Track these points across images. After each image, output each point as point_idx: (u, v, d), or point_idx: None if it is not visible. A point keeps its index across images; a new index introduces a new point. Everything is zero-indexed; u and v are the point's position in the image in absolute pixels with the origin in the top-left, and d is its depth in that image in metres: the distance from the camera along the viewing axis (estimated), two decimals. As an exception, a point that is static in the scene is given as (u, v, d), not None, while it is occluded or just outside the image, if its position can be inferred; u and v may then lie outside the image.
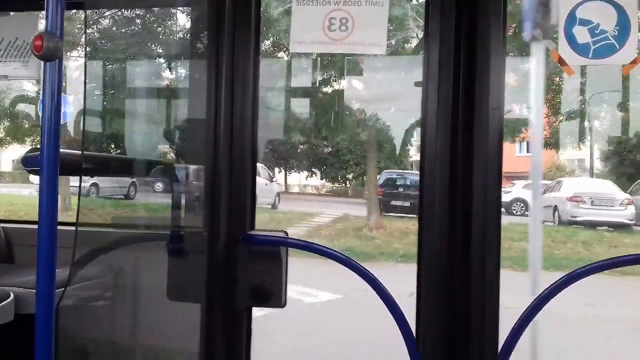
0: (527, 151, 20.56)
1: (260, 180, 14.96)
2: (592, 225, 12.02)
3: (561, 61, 1.82)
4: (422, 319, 1.80)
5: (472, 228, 1.77)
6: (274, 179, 16.99)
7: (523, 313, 1.73)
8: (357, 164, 17.74)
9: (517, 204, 15.20)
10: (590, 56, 1.81)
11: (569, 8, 1.82)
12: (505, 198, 15.58)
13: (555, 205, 12.68)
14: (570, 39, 1.82)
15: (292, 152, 17.69)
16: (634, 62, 1.80)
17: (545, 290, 1.74)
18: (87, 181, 12.32)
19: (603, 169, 15.97)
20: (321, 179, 19.65)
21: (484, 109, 1.77)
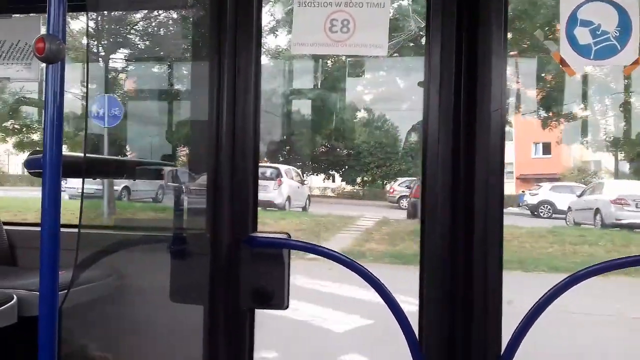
0: (543, 153, 20.49)
1: (293, 183, 14.90)
2: (631, 227, 11.89)
3: (563, 62, 1.82)
4: (424, 320, 1.79)
5: (474, 229, 1.77)
6: (305, 182, 16.89)
7: (526, 315, 1.73)
8: (379, 167, 17.56)
9: (544, 207, 15.01)
10: (591, 57, 1.81)
11: (570, 9, 1.82)
12: (532, 200, 15.44)
13: (597, 208, 12.49)
14: (572, 40, 1.81)
15: (310, 154, 17.48)
16: (635, 62, 1.79)
17: (548, 291, 1.74)
18: (119, 184, 12.41)
19: (627, 171, 15.84)
20: (333, 181, 19.39)
21: (485, 110, 1.77)
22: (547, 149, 19.90)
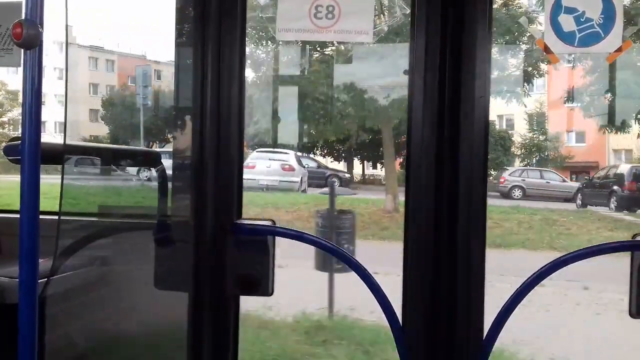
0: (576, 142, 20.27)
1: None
2: None
3: (546, 49, 1.82)
4: (407, 306, 1.81)
5: (459, 216, 1.78)
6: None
7: (509, 299, 1.75)
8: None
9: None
10: (575, 44, 1.82)
11: (555, -4, 1.82)
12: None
13: None
14: (556, 27, 1.82)
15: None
16: (618, 50, 1.80)
17: (531, 276, 1.76)
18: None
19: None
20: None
21: (470, 97, 1.77)
22: (581, 137, 19.82)
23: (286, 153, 14.55)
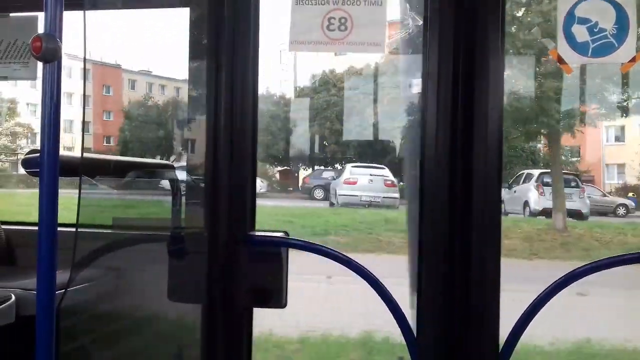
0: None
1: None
2: None
3: (560, 60, 1.82)
4: (421, 317, 1.80)
5: (473, 228, 1.77)
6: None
7: (524, 312, 1.74)
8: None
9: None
10: (589, 55, 1.81)
11: (568, 6, 1.82)
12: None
13: None
14: (569, 38, 1.82)
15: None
16: (632, 60, 1.80)
17: (546, 289, 1.74)
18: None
19: None
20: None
21: (483, 109, 1.77)
22: (576, 151, 19.76)
23: (383, 168, 14.21)
